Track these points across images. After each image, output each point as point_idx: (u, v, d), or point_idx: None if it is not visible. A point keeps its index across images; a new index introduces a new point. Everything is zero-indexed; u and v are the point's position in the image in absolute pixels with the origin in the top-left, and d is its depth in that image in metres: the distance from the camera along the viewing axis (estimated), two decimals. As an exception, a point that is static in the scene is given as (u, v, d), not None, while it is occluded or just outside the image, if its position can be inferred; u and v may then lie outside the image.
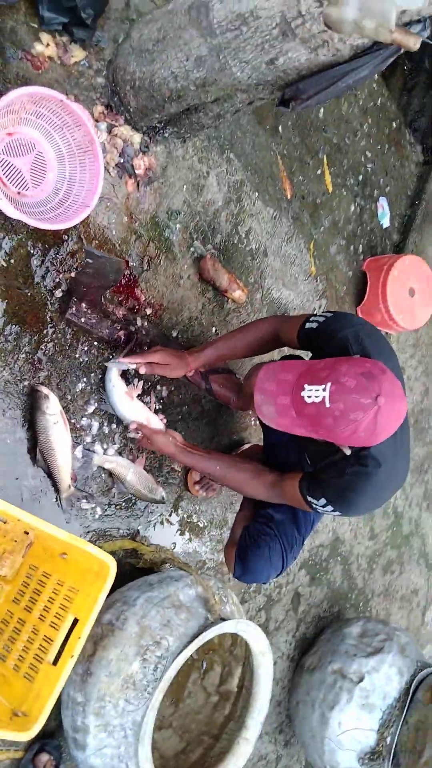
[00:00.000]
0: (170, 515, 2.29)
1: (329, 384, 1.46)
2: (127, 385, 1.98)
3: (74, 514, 1.99)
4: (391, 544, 3.36)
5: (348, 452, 1.55)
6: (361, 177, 3.05)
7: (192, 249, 2.24)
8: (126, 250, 2.05)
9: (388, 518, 3.32)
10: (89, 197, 1.83)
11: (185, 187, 2.20)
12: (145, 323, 2.10)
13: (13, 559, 1.77)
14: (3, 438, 1.81)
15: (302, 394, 1.50)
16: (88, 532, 2.04)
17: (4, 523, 1.75)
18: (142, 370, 1.92)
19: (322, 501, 1.69)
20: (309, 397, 1.48)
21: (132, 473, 2.05)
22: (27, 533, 1.79)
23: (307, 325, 1.73)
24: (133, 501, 2.15)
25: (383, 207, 3.18)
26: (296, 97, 1.67)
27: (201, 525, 2.40)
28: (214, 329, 2.35)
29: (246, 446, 2.47)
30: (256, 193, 2.46)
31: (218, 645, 2.26)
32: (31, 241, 1.82)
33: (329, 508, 1.69)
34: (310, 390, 1.48)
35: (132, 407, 1.96)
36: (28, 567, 1.78)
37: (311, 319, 1.73)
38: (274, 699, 2.79)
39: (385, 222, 3.19)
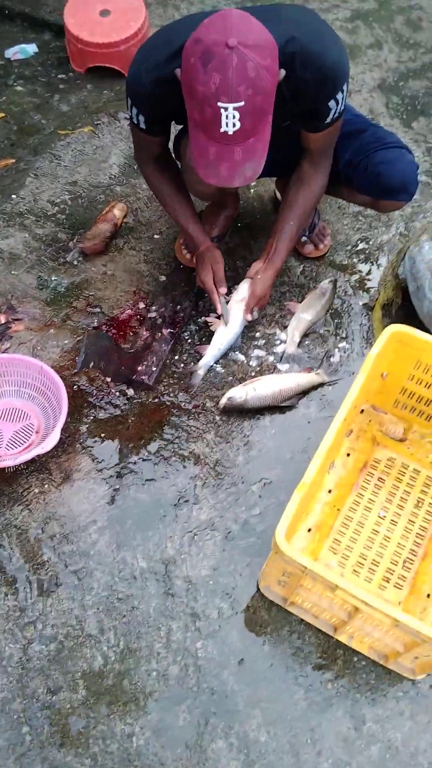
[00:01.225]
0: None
1: (212, 102, 1.33)
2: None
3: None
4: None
5: (283, 73, 1.42)
6: None
7: (70, 260, 2.20)
8: (75, 327, 2.05)
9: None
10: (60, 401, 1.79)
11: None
12: (154, 311, 2.09)
13: None
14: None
15: (222, 131, 1.37)
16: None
17: None
18: (223, 290, 1.94)
19: (340, 97, 1.59)
20: (227, 124, 1.36)
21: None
22: None
23: (142, 124, 1.67)
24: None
25: None
26: None
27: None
28: (161, 233, 2.30)
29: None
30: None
31: None
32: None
33: (341, 96, 1.59)
34: (224, 119, 1.35)
35: (233, 323, 1.96)
36: None
37: (135, 120, 1.67)
38: None
39: None
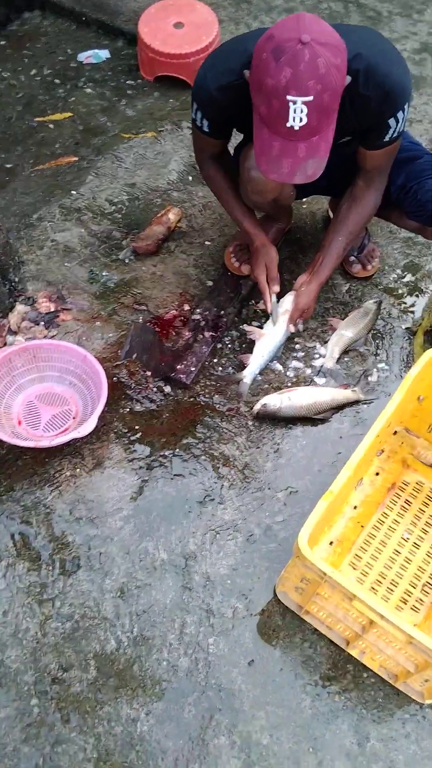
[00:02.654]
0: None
1: (280, 95, 1.36)
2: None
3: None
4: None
5: (349, 79, 1.44)
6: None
7: (122, 257, 2.26)
8: (120, 322, 2.10)
9: None
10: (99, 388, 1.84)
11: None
12: (198, 313, 2.12)
13: None
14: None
15: (288, 125, 1.40)
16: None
17: None
18: (276, 289, 1.97)
19: (401, 116, 1.62)
20: (294, 119, 1.39)
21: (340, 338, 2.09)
22: None
23: (205, 128, 1.71)
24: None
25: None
26: None
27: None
28: (212, 240, 2.35)
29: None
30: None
31: None
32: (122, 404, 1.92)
33: (402, 115, 1.62)
34: (292, 113, 1.38)
35: (277, 333, 2.00)
36: None
37: (199, 124, 1.71)
38: None
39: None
